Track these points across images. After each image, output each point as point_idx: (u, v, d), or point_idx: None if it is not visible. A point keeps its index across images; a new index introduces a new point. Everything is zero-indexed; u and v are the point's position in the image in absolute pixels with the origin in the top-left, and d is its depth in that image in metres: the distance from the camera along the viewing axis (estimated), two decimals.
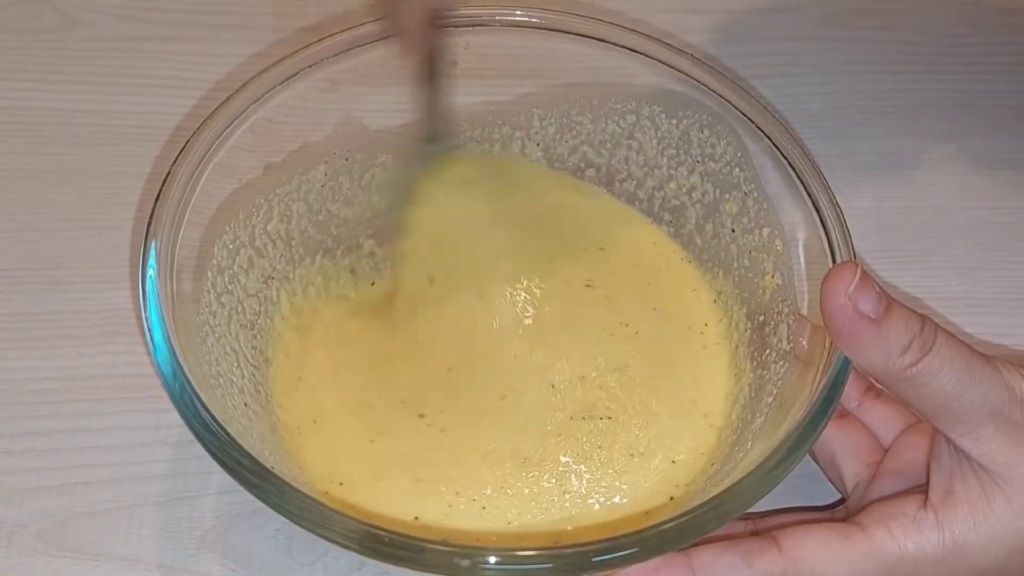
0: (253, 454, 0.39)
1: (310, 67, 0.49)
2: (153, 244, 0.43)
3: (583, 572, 0.37)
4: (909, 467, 0.45)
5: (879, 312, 0.39)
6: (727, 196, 0.51)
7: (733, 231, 0.51)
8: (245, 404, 0.45)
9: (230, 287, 0.47)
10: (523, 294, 0.50)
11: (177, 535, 0.48)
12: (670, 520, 0.38)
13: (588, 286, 0.51)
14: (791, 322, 0.47)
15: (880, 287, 0.39)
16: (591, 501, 0.46)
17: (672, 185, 0.53)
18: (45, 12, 0.67)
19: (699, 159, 0.52)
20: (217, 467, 0.39)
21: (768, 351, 0.47)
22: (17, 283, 0.56)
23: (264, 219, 0.49)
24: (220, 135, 0.47)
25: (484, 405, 0.48)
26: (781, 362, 0.46)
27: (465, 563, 0.37)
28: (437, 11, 0.45)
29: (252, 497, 0.38)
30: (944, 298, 0.57)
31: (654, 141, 0.53)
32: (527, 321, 0.49)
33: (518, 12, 0.51)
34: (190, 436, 0.39)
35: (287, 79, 0.49)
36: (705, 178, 0.52)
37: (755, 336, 0.49)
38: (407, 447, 0.47)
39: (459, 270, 0.50)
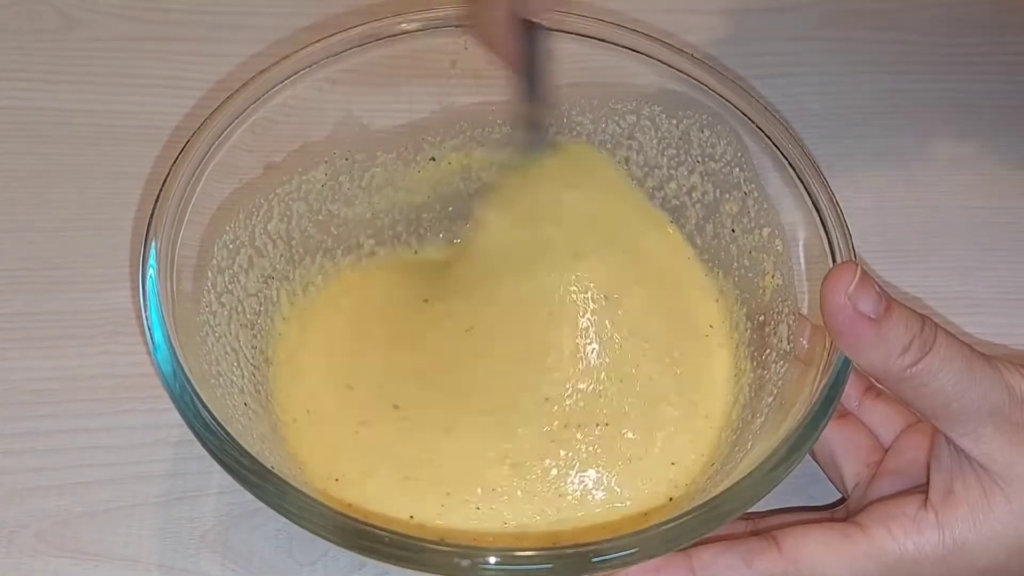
0: (253, 454, 0.39)
1: (310, 67, 0.49)
2: (153, 244, 0.43)
3: (583, 572, 0.37)
4: (909, 467, 0.45)
5: (879, 312, 0.39)
6: (727, 196, 0.51)
7: (733, 231, 0.51)
8: (245, 404, 0.45)
9: (230, 287, 0.47)
10: (527, 296, 0.49)
11: (177, 535, 0.48)
12: (670, 520, 0.38)
13: (598, 292, 0.50)
14: (791, 322, 0.47)
15: (880, 287, 0.39)
16: (589, 503, 0.46)
17: (672, 185, 0.53)
18: (45, 12, 0.67)
19: (699, 159, 0.52)
20: (217, 467, 0.39)
21: (768, 351, 0.47)
22: (17, 283, 0.56)
23: (264, 219, 0.49)
24: (220, 135, 0.47)
25: (468, 409, 0.48)
26: (781, 362, 0.46)
27: (465, 563, 0.37)
28: (522, 17, 0.46)
29: (252, 497, 0.38)
30: (944, 298, 0.57)
31: (654, 141, 0.53)
32: (527, 327, 0.49)
33: None
34: (190, 436, 0.39)
35: (287, 79, 0.49)
36: (705, 178, 0.52)
37: (755, 336, 0.49)
38: (388, 441, 0.47)
39: (469, 271, 0.50)
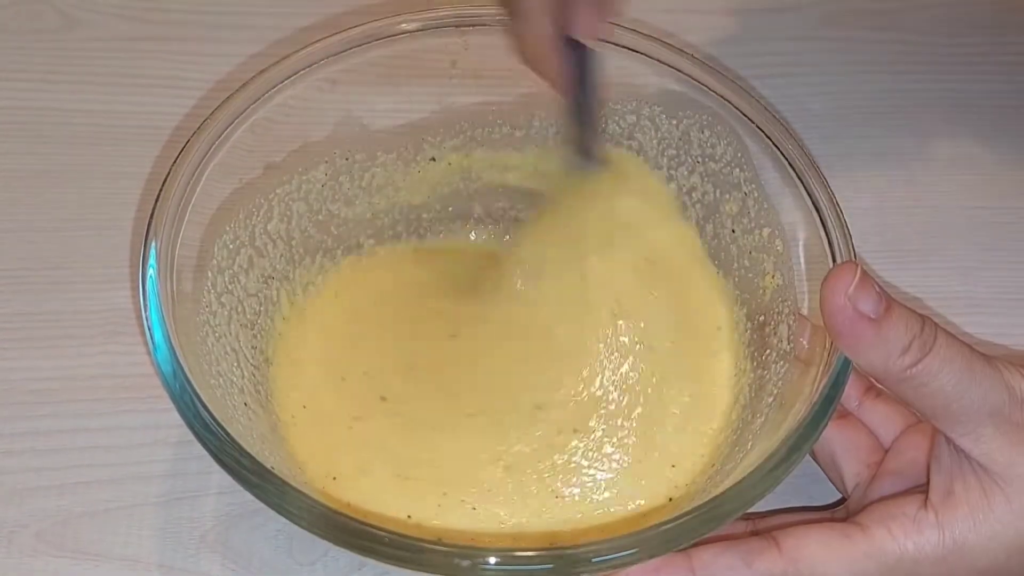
0: (253, 454, 0.39)
1: (310, 67, 0.49)
2: (153, 244, 0.43)
3: (583, 572, 0.37)
4: (909, 467, 0.45)
5: (879, 312, 0.39)
6: (727, 196, 0.51)
7: (733, 231, 0.51)
8: (245, 404, 0.45)
9: (230, 287, 0.47)
10: (530, 298, 0.49)
11: (177, 535, 0.48)
12: (670, 520, 0.38)
13: (610, 296, 0.50)
14: (791, 322, 0.47)
15: (880, 287, 0.39)
16: (587, 504, 0.46)
17: (672, 185, 0.53)
18: (45, 12, 0.67)
19: (699, 159, 0.52)
20: (217, 467, 0.39)
21: (768, 351, 0.47)
22: (17, 283, 0.56)
23: (264, 219, 0.49)
24: (220, 135, 0.47)
25: (458, 409, 0.48)
26: (781, 362, 0.46)
27: (465, 563, 0.37)
28: (565, 34, 0.45)
29: (252, 497, 0.38)
30: (944, 298, 0.57)
31: (654, 141, 0.53)
32: (526, 329, 0.49)
33: None
34: (190, 436, 0.39)
35: (287, 79, 0.49)
36: (705, 178, 0.52)
37: (755, 336, 0.49)
38: (382, 436, 0.47)
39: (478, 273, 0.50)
